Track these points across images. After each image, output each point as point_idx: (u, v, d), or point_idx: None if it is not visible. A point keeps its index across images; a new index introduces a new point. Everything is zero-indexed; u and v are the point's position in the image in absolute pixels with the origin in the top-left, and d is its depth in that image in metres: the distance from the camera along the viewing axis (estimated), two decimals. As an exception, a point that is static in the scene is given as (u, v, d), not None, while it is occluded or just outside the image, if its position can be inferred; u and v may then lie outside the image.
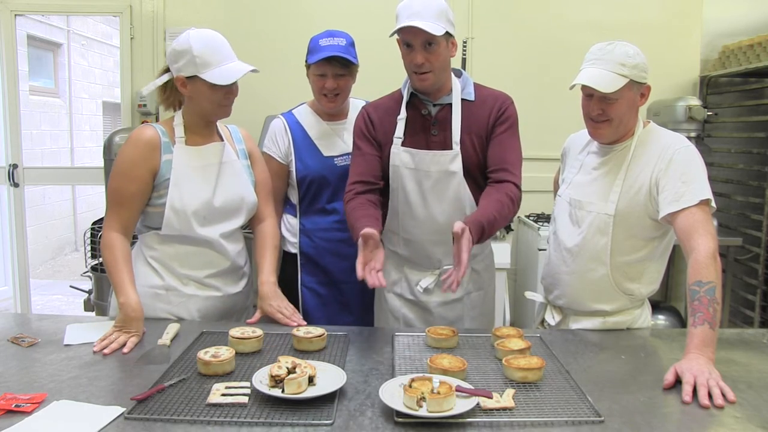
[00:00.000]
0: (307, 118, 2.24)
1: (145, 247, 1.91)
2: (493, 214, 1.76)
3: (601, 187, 1.81)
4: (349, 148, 2.17)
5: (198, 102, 1.86)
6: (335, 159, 2.20)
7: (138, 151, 1.83)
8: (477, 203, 1.88)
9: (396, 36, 1.88)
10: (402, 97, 1.97)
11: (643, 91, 1.77)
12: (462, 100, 1.93)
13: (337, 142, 2.21)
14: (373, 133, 1.99)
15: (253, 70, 1.82)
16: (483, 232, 1.72)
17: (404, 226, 1.98)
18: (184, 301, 1.90)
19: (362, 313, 2.23)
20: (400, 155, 1.93)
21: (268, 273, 1.97)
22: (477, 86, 1.99)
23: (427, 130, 1.93)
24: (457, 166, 1.89)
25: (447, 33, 1.81)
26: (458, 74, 1.98)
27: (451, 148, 1.90)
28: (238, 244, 1.99)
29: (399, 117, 1.94)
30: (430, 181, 1.91)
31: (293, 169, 2.20)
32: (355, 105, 2.27)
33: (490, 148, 1.91)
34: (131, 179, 1.82)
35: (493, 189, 1.86)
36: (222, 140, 1.97)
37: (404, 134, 1.94)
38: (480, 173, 1.93)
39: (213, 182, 1.89)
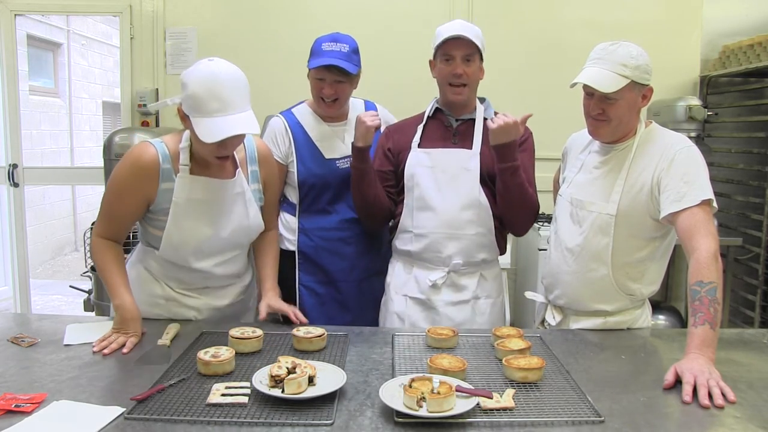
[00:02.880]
0: (307, 118, 2.22)
1: (145, 256, 1.89)
2: (522, 177, 1.92)
3: (602, 186, 1.80)
4: (350, 150, 2.18)
5: (193, 141, 1.71)
6: (337, 161, 2.18)
7: (132, 177, 1.72)
8: (492, 210, 1.98)
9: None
10: (423, 117, 2.10)
11: (645, 92, 1.76)
12: (484, 119, 2.03)
13: (338, 144, 2.20)
14: (387, 151, 2.11)
15: (240, 134, 1.61)
16: (508, 169, 1.89)
17: (417, 221, 2.02)
18: (183, 311, 1.89)
19: (360, 312, 2.23)
20: (417, 156, 2.02)
21: (271, 282, 1.95)
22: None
23: (448, 139, 2.05)
24: (475, 164, 1.97)
25: (480, 54, 1.98)
26: (481, 100, 2.09)
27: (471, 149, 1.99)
28: (236, 264, 1.94)
29: (418, 125, 2.07)
30: (446, 176, 2.00)
31: (293, 169, 2.18)
32: (355, 105, 2.26)
33: None
34: (123, 201, 1.76)
35: None
36: (235, 166, 1.82)
37: (422, 140, 2.05)
38: (495, 183, 1.99)
39: (216, 218, 1.79)
